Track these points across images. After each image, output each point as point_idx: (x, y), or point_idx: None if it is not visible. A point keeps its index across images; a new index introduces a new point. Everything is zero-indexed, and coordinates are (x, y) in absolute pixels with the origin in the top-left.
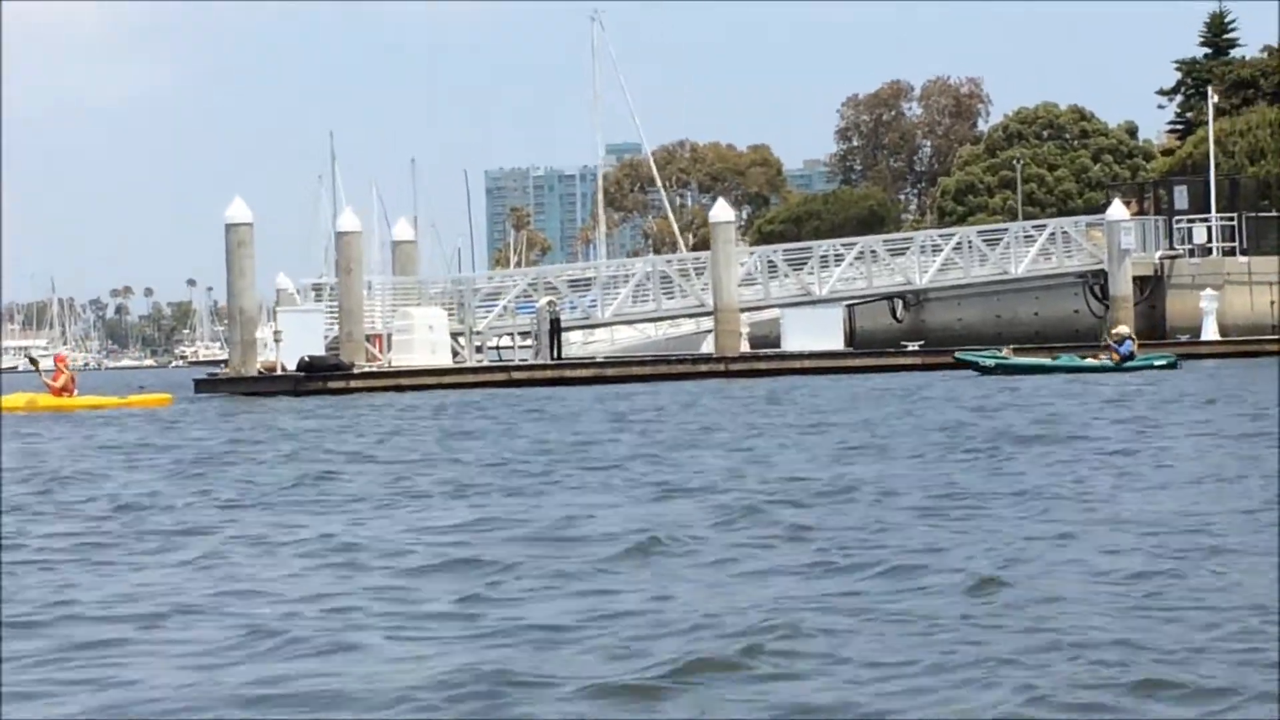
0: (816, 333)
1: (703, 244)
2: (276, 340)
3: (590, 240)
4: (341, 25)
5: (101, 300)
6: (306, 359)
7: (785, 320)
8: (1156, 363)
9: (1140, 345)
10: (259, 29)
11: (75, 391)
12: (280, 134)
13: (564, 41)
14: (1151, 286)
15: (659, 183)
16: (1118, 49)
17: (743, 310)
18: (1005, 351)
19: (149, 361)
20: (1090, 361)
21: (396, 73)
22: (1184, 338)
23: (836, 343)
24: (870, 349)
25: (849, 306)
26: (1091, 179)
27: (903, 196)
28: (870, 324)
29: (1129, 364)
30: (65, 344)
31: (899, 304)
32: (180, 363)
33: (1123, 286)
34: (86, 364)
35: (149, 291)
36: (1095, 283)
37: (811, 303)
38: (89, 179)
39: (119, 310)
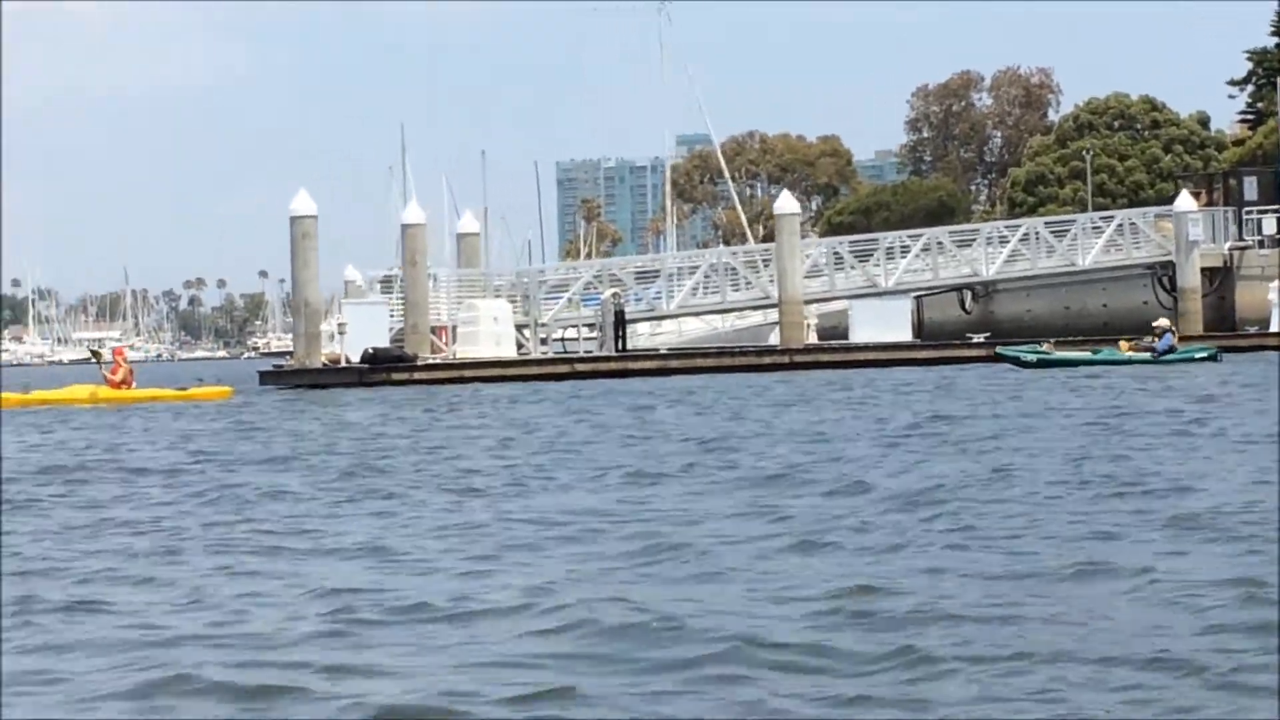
0: (884, 324)
1: (772, 235)
2: (340, 332)
3: (660, 232)
4: (412, 19)
5: (175, 292)
6: (370, 350)
7: (853, 311)
8: (1197, 355)
9: (1209, 337)
10: (330, 19)
11: (134, 384)
12: (353, 125)
13: (635, 33)
14: (1221, 278)
15: (726, 174)
16: (1190, 39)
17: (808, 302)
18: (1046, 346)
19: (221, 353)
20: (1130, 354)
21: (467, 65)
22: (1253, 329)
23: (904, 334)
24: (938, 340)
25: (917, 298)
26: (1163, 170)
27: (973, 188)
28: (939, 315)
29: (1168, 357)
30: (138, 335)
31: (968, 295)
32: (253, 354)
33: (1191, 278)
34: (159, 355)
35: (221, 283)
36: (1164, 274)
37: (878, 294)
38: (164, 168)
39: (192, 302)
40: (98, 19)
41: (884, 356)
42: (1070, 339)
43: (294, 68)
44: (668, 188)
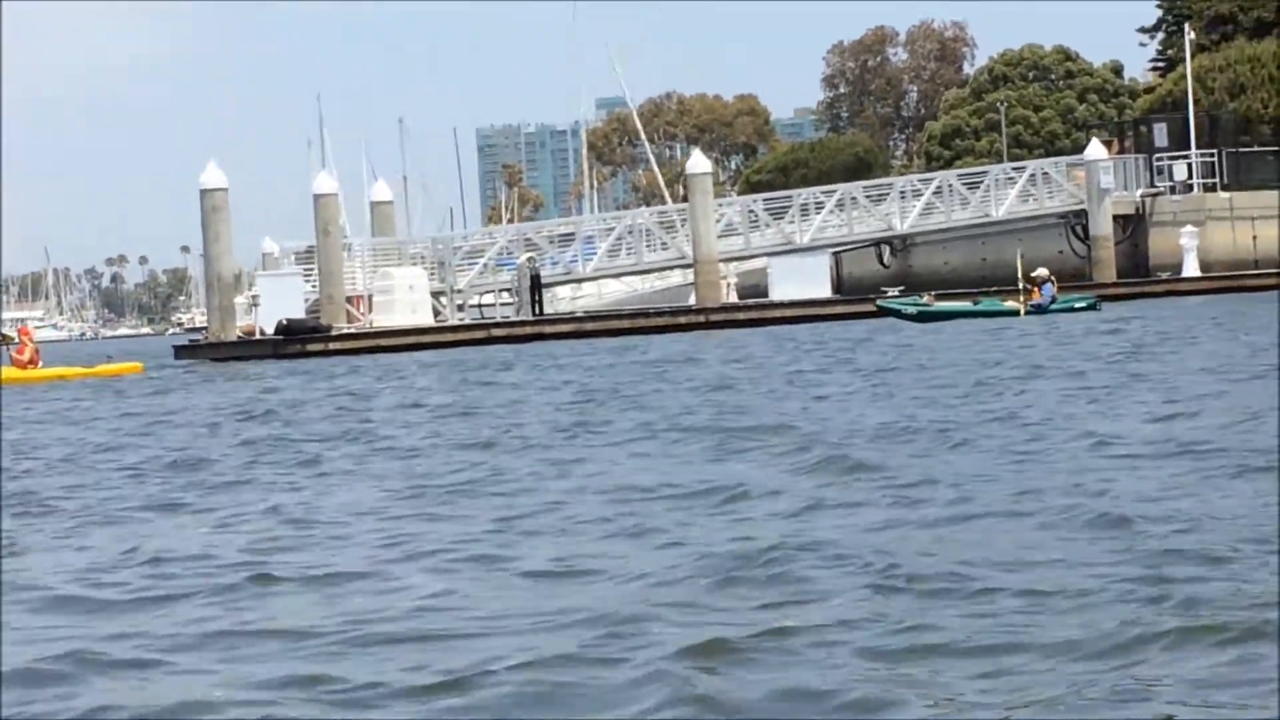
0: (803, 281)
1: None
2: (254, 304)
3: (582, 195)
4: None
5: (97, 270)
6: (284, 322)
7: (772, 269)
8: (1077, 305)
9: (1123, 284)
10: None
11: (40, 364)
12: (273, 97)
13: None
14: (1134, 225)
15: (643, 136)
16: None
17: (723, 260)
18: (926, 298)
19: (146, 330)
20: (1012, 305)
21: (382, 33)
22: (1165, 275)
23: (824, 290)
24: (855, 295)
25: (836, 254)
26: (1078, 120)
27: (891, 143)
28: (858, 270)
29: (1050, 307)
30: (61, 314)
31: (886, 250)
32: (177, 330)
33: (1103, 226)
34: (84, 334)
35: (144, 260)
36: (1077, 223)
37: (795, 251)
38: (80, 146)
39: (114, 279)
40: None
41: (800, 314)
42: (952, 291)
43: (213, 41)
44: (584, 151)
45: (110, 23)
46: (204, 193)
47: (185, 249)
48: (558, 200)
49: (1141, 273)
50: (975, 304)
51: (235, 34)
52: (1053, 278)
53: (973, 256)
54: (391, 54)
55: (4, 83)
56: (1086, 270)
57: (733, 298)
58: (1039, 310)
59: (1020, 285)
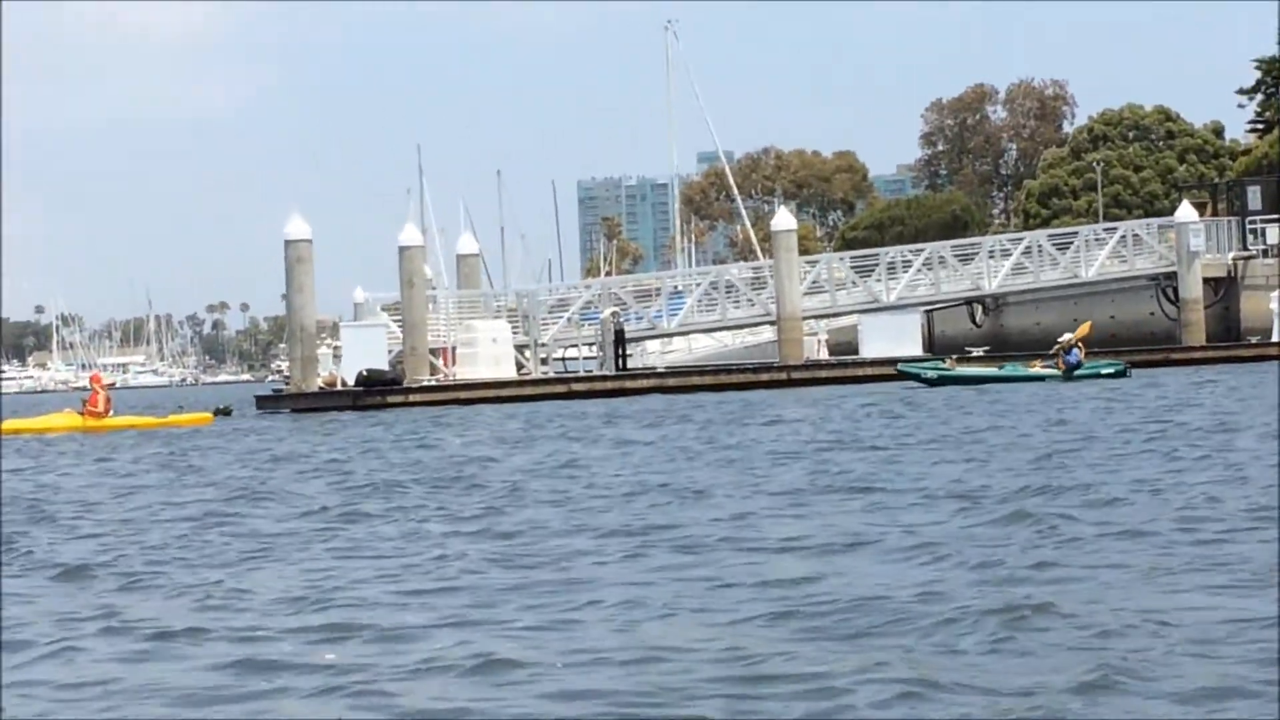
0: (894, 338)
1: None
2: (335, 356)
3: (682, 249)
4: (426, 41)
5: (199, 316)
6: (364, 373)
7: (862, 326)
8: (1104, 370)
9: (1211, 348)
10: (343, 45)
11: (112, 412)
12: (372, 148)
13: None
14: (1225, 288)
15: (734, 190)
16: (1204, 48)
17: (808, 318)
18: (948, 363)
19: (246, 376)
20: (1037, 370)
21: (484, 86)
22: (1255, 339)
23: (915, 348)
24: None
25: (928, 312)
26: (1177, 180)
27: (989, 201)
28: (950, 329)
29: (1077, 373)
30: (162, 359)
31: (978, 308)
32: (276, 376)
33: (1192, 289)
34: (184, 379)
35: (245, 306)
36: (1168, 285)
37: (881, 309)
38: (186, 194)
39: (215, 326)
40: (120, 46)
41: (880, 373)
42: (981, 355)
43: (315, 92)
44: (675, 205)
45: (213, 74)
46: (288, 243)
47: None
48: (658, 253)
49: (1233, 336)
50: (1000, 369)
51: (338, 84)
52: (1079, 343)
53: (1064, 317)
54: (492, 106)
55: (103, 131)
56: (1177, 333)
57: (824, 354)
58: (1065, 375)
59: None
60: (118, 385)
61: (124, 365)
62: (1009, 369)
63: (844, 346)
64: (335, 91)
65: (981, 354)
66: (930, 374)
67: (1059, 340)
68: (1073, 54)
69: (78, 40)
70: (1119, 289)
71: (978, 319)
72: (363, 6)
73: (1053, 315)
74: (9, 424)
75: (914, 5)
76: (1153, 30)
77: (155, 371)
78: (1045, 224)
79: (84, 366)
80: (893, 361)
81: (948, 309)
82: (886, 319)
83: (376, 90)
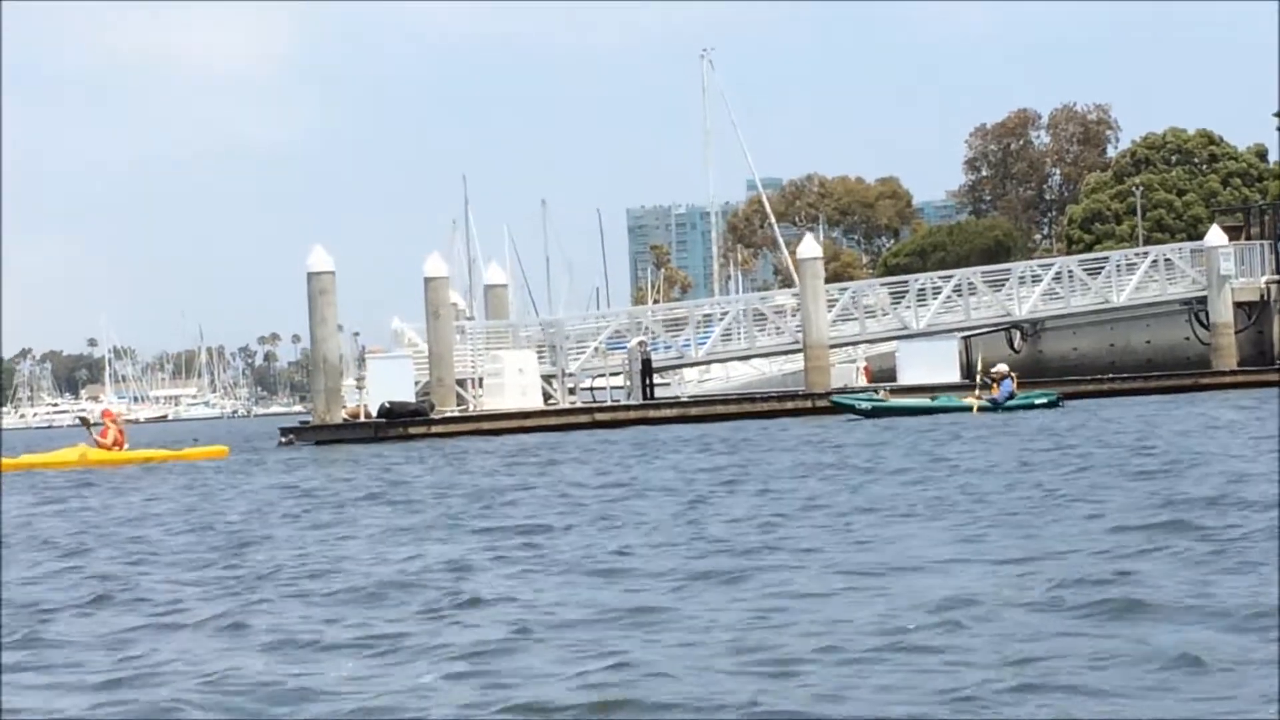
0: (932, 365)
1: (833, 277)
2: (359, 387)
3: (730, 276)
4: (468, 74)
5: (250, 348)
6: (386, 405)
7: (900, 353)
8: (1037, 401)
9: (1241, 373)
10: (388, 76)
11: (126, 445)
12: (419, 178)
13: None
14: (1258, 312)
15: (772, 218)
16: (1247, 71)
17: (833, 346)
18: (882, 394)
19: (297, 407)
20: (969, 401)
21: (529, 115)
22: None
23: (952, 375)
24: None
25: (965, 338)
26: (1221, 203)
27: (1034, 226)
28: (989, 354)
29: (1009, 403)
30: (214, 391)
31: (1016, 334)
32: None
33: (1223, 313)
34: (235, 411)
35: (296, 338)
36: (1200, 309)
37: (913, 335)
38: (235, 224)
39: (267, 357)
40: (167, 80)
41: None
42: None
43: (361, 123)
44: (714, 234)
45: (259, 106)
46: (311, 275)
47: (339, 328)
48: (707, 281)
49: (1266, 360)
50: (933, 399)
51: (385, 115)
52: (1012, 374)
53: (1101, 342)
54: (542, 134)
55: (155, 163)
56: (1210, 357)
57: (863, 381)
58: (995, 406)
59: (979, 380)
60: (170, 418)
61: (176, 398)
62: (941, 400)
63: (885, 374)
64: (382, 123)
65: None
66: (864, 405)
67: (992, 370)
68: (1116, 78)
69: (126, 73)
70: (1153, 314)
71: (1015, 345)
72: (404, 40)
73: (1089, 341)
74: (10, 461)
75: (957, 30)
76: (1195, 53)
77: (207, 403)
78: (1088, 249)
79: (136, 399)
80: (912, 389)
81: (986, 335)
82: (924, 345)
83: (421, 119)
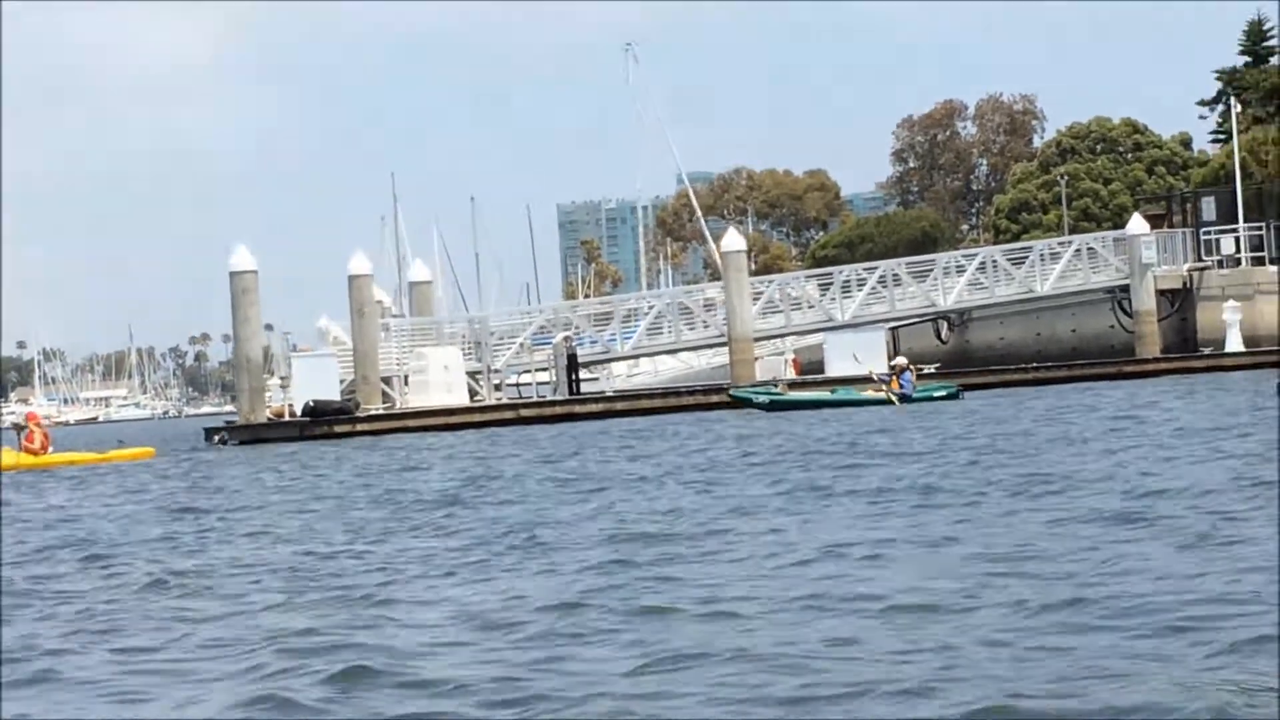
0: (859, 356)
1: (761, 270)
2: (282, 386)
3: (660, 271)
4: (393, 69)
5: (181, 348)
6: (311, 403)
7: (827, 345)
8: (937, 394)
9: (1165, 359)
10: (315, 76)
11: (51, 449)
12: (351, 175)
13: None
14: (1181, 299)
15: (699, 212)
16: (1171, 60)
17: (759, 339)
18: (780, 387)
19: (229, 407)
20: (869, 394)
21: (456, 111)
22: (1208, 350)
23: (880, 365)
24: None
25: (892, 329)
26: (1146, 192)
27: (961, 217)
28: (916, 345)
29: (910, 396)
30: (145, 392)
31: (943, 325)
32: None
33: (1146, 301)
34: (166, 412)
35: (227, 338)
36: (1123, 298)
37: (839, 327)
38: (167, 225)
39: (198, 358)
40: (91, 82)
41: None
42: (810, 380)
43: (290, 121)
44: (641, 229)
45: (189, 105)
46: (233, 275)
47: (269, 327)
48: (637, 275)
49: (1190, 347)
50: (832, 392)
51: (314, 113)
52: (911, 366)
53: (1028, 332)
54: (470, 131)
55: (79, 163)
56: (1134, 345)
57: (792, 373)
58: (906, 399)
59: (872, 374)
60: (100, 419)
61: (106, 399)
62: (841, 393)
63: (815, 366)
64: (311, 121)
65: (933, 370)
66: (763, 399)
67: (892, 364)
68: (1042, 68)
69: (50, 75)
70: (1078, 303)
71: (943, 335)
72: (331, 37)
73: (1016, 330)
74: None
75: (883, 21)
76: (1120, 42)
77: (138, 405)
78: (1015, 239)
79: (66, 401)
80: (858, 381)
81: (913, 326)
82: (851, 337)
83: (349, 118)
